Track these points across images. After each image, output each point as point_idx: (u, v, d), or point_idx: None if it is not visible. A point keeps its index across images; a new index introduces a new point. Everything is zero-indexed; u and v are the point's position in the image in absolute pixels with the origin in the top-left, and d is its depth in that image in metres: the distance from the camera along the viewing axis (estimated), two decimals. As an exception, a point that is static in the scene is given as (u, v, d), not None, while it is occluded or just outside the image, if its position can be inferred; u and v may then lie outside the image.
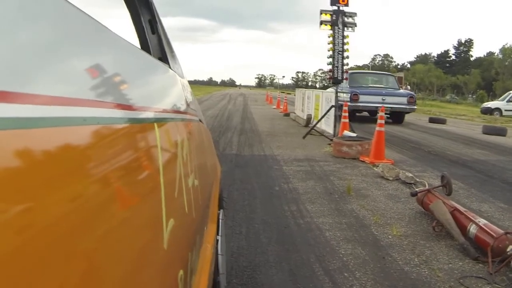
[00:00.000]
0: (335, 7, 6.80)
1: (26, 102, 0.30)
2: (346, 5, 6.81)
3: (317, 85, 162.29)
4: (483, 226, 2.44)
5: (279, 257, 2.25)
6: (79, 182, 0.36)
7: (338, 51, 6.78)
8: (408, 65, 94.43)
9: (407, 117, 12.11)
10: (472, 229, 2.51)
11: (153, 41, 1.21)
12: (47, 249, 0.29)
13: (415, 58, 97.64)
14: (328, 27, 6.82)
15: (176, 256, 0.66)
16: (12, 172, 0.27)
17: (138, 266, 0.47)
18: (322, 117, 7.57)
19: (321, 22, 6.76)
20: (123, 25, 1.21)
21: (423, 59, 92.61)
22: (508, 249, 2.25)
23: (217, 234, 1.35)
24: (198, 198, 0.96)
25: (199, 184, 1.00)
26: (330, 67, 6.89)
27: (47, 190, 0.31)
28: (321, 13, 6.77)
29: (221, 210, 1.64)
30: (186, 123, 1.00)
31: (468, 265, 2.23)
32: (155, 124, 0.63)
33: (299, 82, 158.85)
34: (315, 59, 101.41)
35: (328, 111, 7.24)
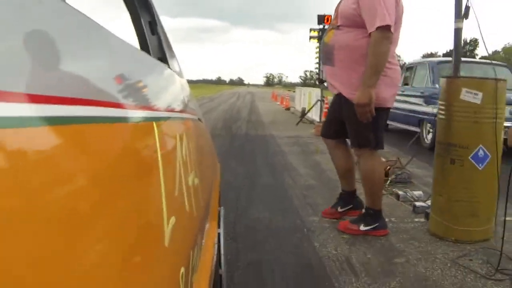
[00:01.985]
0: (321, 26, 8.93)
1: (24, 101, 0.31)
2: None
3: (326, 84, 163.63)
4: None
5: (268, 172, 4.41)
6: (78, 181, 0.36)
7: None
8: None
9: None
10: (374, 162, 4.62)
11: (153, 42, 1.22)
12: (48, 248, 0.30)
13: (421, 56, 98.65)
14: (316, 40, 8.95)
15: (177, 254, 0.67)
16: (10, 172, 0.27)
17: (140, 264, 0.48)
18: (310, 108, 9.73)
19: (310, 37, 8.91)
20: (123, 27, 1.20)
21: (429, 57, 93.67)
22: (390, 172, 4.36)
23: (218, 232, 1.39)
24: (199, 196, 0.97)
25: (199, 182, 1.01)
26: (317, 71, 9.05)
27: (47, 189, 0.31)
28: (310, 31, 8.91)
29: (221, 207, 1.64)
30: (185, 122, 1.01)
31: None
32: (154, 123, 0.64)
33: (307, 81, 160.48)
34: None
35: (314, 104, 9.39)
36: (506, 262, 2.25)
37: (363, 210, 2.72)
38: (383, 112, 2.52)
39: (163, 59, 1.20)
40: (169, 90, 1.00)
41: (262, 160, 5.22)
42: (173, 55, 1.34)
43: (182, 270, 0.66)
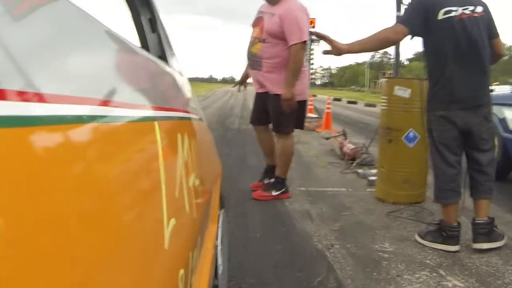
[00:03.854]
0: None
1: (23, 100, 0.31)
2: (313, 27, 9.78)
3: (317, 82, 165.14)
4: (348, 146, 5.39)
5: (254, 156, 5.23)
6: (79, 181, 0.36)
7: (306, 59, 9.75)
8: (407, 62, 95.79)
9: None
10: (345, 149, 5.44)
11: (153, 39, 1.21)
12: (47, 249, 0.30)
13: (413, 55, 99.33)
14: (301, 42, 9.82)
15: (177, 255, 0.68)
16: (10, 171, 0.28)
17: (139, 265, 0.48)
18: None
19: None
20: (123, 24, 1.20)
21: (420, 56, 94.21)
22: (357, 156, 5.18)
23: (217, 233, 1.38)
24: (199, 197, 0.97)
25: (200, 183, 1.01)
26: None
27: (47, 189, 0.31)
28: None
29: (222, 210, 1.62)
30: (186, 121, 1.01)
31: (337, 161, 5.17)
32: (155, 123, 0.64)
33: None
34: (317, 56, 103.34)
35: (301, 100, 10.26)
36: (428, 215, 3.06)
37: (272, 180, 3.39)
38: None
39: (163, 57, 1.21)
40: (170, 89, 0.99)
41: (250, 147, 6.01)
42: (173, 53, 1.34)
43: (181, 271, 0.67)
